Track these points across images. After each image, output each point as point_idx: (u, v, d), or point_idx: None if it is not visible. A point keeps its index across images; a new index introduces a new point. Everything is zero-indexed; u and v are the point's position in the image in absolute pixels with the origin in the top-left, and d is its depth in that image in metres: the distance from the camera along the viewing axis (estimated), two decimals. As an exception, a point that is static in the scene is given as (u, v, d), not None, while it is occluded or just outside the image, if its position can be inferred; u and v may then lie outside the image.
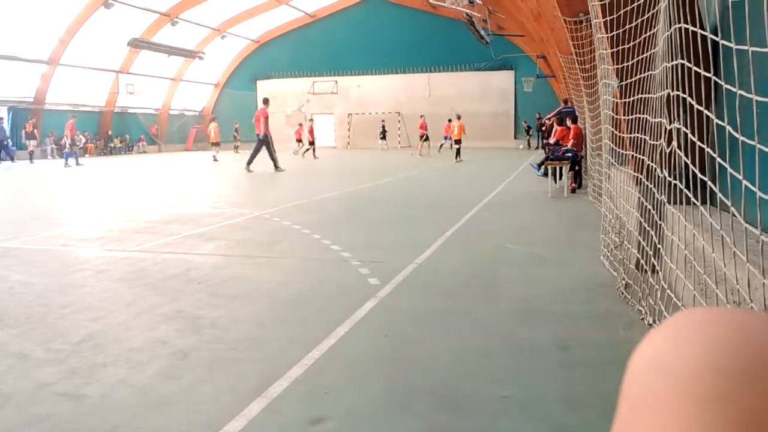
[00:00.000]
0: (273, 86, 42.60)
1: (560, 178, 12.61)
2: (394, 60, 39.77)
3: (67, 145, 25.63)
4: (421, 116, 29.64)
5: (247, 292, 5.38)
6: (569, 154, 12.25)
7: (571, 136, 12.65)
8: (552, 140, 13.55)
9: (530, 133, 35.36)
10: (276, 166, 19.24)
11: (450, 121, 26.64)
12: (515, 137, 38.01)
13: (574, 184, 12.47)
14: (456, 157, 23.84)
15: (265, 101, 20.32)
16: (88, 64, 32.62)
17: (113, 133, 36.44)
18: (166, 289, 5.45)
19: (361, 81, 40.95)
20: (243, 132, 32.75)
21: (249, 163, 19.32)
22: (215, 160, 26.23)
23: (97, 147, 34.93)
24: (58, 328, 4.44)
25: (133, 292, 5.36)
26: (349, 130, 41.44)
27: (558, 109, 15.63)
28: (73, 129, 26.23)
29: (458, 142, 24.05)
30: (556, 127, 14.01)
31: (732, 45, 2.50)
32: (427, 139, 28.23)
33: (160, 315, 4.71)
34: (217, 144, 27.21)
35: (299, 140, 29.54)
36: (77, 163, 24.98)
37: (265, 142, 19.25)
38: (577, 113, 13.88)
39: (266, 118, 19.27)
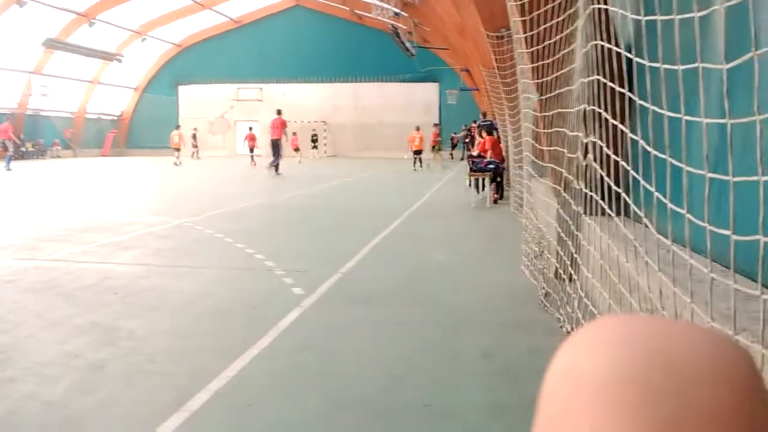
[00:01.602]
0: (195, 91, 41.73)
1: (483, 189, 12.86)
2: (320, 69, 39.67)
3: (10, 148, 25.29)
4: (435, 124, 28.77)
5: (167, 302, 5.22)
6: (491, 166, 12.52)
7: (486, 147, 12.94)
8: (474, 152, 13.82)
9: (455, 144, 35.80)
10: (276, 170, 20.60)
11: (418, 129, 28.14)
12: (435, 149, 38.48)
13: (496, 195, 12.74)
14: (415, 165, 24.95)
15: (279, 112, 22.24)
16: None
17: (25, 136, 34.73)
18: (79, 300, 5.23)
19: (287, 89, 40.63)
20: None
21: (273, 166, 20.68)
22: (176, 164, 27.33)
23: (7, 151, 33.23)
24: (-40, 341, 4.18)
25: (44, 303, 5.11)
26: (274, 138, 41.02)
27: (477, 123, 16.02)
28: (7, 131, 25.63)
29: (418, 152, 25.38)
30: (478, 139, 14.30)
31: (645, 62, 2.61)
32: (440, 149, 27.53)
33: (72, 327, 4.51)
34: (178, 149, 28.37)
35: (297, 149, 31.08)
36: (7, 168, 24.05)
37: (277, 145, 20.86)
38: (496, 125, 14.21)
39: (284, 126, 21.22)
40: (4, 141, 25.45)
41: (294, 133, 30.96)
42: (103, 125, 40.96)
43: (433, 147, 27.74)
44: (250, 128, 30.65)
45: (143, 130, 41.59)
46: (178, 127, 30.27)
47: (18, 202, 13.16)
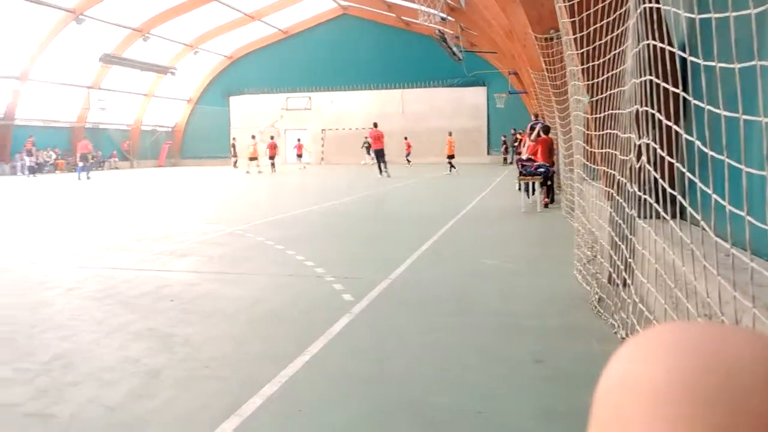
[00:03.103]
0: (246, 102, 42.49)
1: (533, 193, 12.72)
2: (367, 76, 39.93)
3: (89, 159, 28.55)
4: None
5: (220, 309, 5.32)
6: (541, 170, 12.37)
7: (527, 151, 12.80)
8: (524, 156, 13.67)
9: (505, 149, 35.64)
10: (387, 173, 23.44)
11: (406, 138, 31.41)
12: (488, 153, 38.31)
13: (546, 199, 12.58)
14: (450, 170, 26.01)
15: (375, 125, 25.30)
16: (59, 80, 32.24)
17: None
18: (137, 307, 5.37)
19: (335, 97, 41.02)
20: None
21: (384, 171, 23.52)
22: (259, 172, 29.38)
23: (69, 163, 34.47)
24: (27, 347, 4.34)
25: (104, 310, 5.27)
26: (322, 146, 41.44)
27: (530, 124, 15.79)
28: (83, 147, 28.40)
29: (451, 157, 26.50)
30: (527, 142, 14.15)
31: (700, 61, 2.55)
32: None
33: (131, 333, 4.64)
34: (255, 159, 30.18)
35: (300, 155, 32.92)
36: (87, 177, 27.05)
37: (381, 154, 23.92)
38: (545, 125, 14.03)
39: (380, 137, 24.10)
40: (84, 154, 28.14)
41: (299, 139, 32.67)
42: (159, 136, 42.07)
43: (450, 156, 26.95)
44: (272, 137, 32.23)
45: (196, 141, 42.60)
46: (253, 137, 31.74)
47: (80, 213, 13.60)
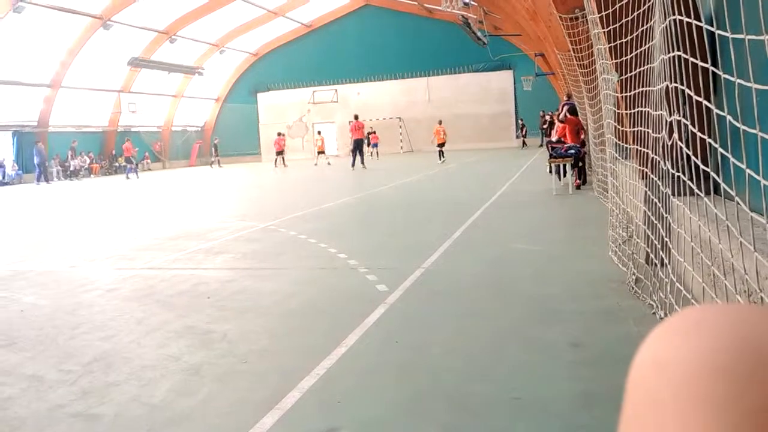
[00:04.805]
0: (273, 98, 42.68)
1: (564, 175, 12.59)
2: (392, 66, 39.80)
3: (133, 161, 30.87)
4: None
5: (257, 304, 5.38)
6: (572, 151, 12.23)
7: (556, 133, 12.69)
8: (554, 138, 13.52)
9: (524, 132, 35.29)
10: (363, 164, 24.61)
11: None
12: (517, 137, 37.97)
13: (578, 181, 12.45)
14: (440, 158, 25.77)
15: (356, 117, 26.32)
16: (90, 85, 32.76)
17: (117, 152, 36.55)
18: (175, 305, 5.46)
19: (361, 88, 40.96)
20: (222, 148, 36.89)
21: (353, 164, 24.56)
22: (328, 164, 30.23)
23: (102, 167, 35.09)
24: (69, 348, 4.45)
25: (143, 310, 5.37)
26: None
27: (562, 103, 15.58)
28: (129, 149, 30.62)
29: (441, 145, 26.25)
30: (557, 124, 13.99)
31: (728, 34, 2.49)
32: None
33: (170, 331, 4.72)
34: (322, 152, 30.94)
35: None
36: (137, 177, 29.64)
37: (360, 144, 25.00)
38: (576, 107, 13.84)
39: (361, 128, 25.33)
40: (128, 157, 30.46)
41: (280, 134, 32.85)
42: (189, 136, 42.52)
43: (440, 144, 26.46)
44: (280, 134, 32.80)
45: (226, 139, 42.97)
46: (319, 132, 32.42)
47: (115, 213, 13.84)
